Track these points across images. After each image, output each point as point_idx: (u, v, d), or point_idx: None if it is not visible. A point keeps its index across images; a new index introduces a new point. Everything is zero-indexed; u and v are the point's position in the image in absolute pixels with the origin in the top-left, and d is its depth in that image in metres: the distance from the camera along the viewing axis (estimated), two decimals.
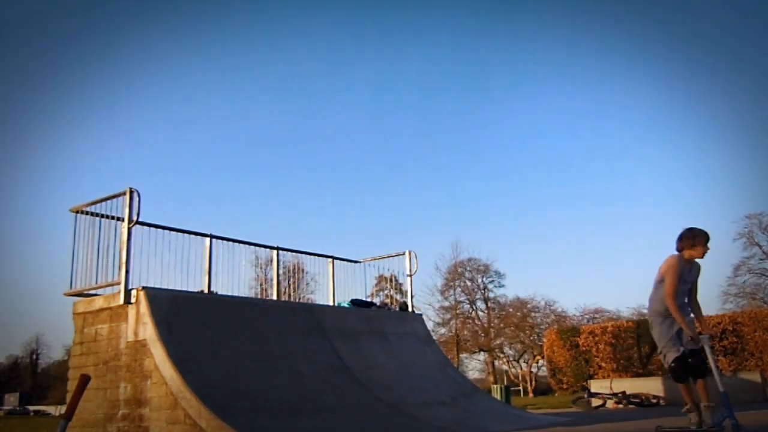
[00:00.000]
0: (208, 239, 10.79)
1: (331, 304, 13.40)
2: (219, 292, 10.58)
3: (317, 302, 14.02)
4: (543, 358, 39.97)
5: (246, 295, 11.90)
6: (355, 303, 13.26)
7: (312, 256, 13.55)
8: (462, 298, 52.26)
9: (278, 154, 78.70)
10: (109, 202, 9.42)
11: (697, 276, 7.17)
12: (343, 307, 12.97)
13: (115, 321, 9.11)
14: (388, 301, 16.29)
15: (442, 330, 50.56)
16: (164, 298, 8.96)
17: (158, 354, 8.32)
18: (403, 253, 14.70)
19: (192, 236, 10.53)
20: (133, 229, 9.12)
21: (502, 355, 53.84)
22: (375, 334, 12.48)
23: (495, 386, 22.97)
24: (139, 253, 9.36)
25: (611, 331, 30.35)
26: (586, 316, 48.17)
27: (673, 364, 6.94)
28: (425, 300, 48.93)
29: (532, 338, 50.02)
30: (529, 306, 50.92)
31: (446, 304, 51.30)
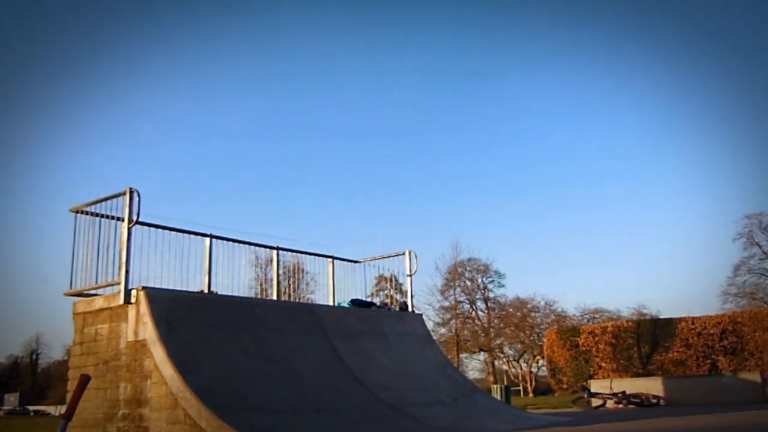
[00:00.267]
0: (208, 239, 10.78)
1: (331, 304, 13.41)
2: (219, 292, 10.58)
3: (317, 302, 14.01)
4: (543, 358, 39.96)
5: (246, 295, 11.90)
6: (356, 303, 13.26)
7: (312, 256, 13.56)
8: (462, 298, 52.24)
9: (279, 153, 78.69)
10: (108, 202, 9.43)
11: None
12: (343, 307, 12.97)
13: (115, 321, 9.11)
14: (388, 301, 16.28)
15: (442, 330, 50.53)
16: (164, 298, 8.96)
17: (158, 354, 8.32)
18: (403, 253, 14.70)
19: (192, 236, 10.53)
20: (133, 228, 9.12)
21: (502, 355, 53.86)
22: (375, 334, 12.48)
23: (495, 386, 22.97)
24: (139, 253, 9.37)
25: (611, 331, 30.38)
26: (586, 316, 48.16)
27: None
28: (425, 300, 48.92)
29: (532, 338, 50.02)
30: (529, 306, 50.92)
31: (446, 304, 51.27)
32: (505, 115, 73.99)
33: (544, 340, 36.42)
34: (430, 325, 39.97)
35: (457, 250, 51.09)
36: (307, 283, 14.60)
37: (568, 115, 72.49)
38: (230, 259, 11.15)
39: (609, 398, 17.97)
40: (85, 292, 9.62)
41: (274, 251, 12.26)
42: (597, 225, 74.58)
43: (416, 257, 14.64)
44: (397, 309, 14.69)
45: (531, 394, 48.33)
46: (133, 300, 8.87)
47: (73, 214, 9.66)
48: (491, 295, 52.69)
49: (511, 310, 51.21)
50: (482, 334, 51.67)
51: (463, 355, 52.19)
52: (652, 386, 18.13)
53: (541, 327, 47.96)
